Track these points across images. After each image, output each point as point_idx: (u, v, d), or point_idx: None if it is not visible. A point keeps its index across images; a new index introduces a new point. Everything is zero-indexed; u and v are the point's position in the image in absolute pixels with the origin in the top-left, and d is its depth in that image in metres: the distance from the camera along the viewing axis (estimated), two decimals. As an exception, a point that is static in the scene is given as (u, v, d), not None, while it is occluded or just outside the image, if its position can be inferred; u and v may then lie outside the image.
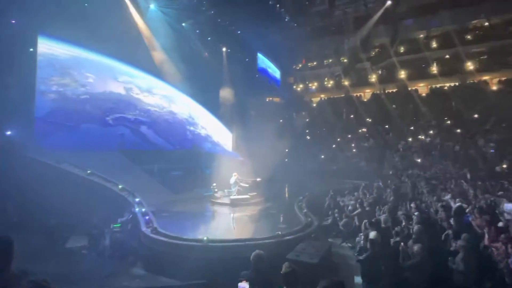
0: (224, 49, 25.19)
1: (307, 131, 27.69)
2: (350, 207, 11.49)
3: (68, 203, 10.44)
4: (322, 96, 31.68)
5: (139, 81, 23.43)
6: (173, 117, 24.92)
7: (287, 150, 25.21)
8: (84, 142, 16.18)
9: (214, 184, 14.79)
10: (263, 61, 29.60)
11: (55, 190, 10.60)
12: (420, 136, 20.29)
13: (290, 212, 11.90)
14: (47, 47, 15.83)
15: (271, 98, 32.04)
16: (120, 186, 12.86)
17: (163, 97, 24.51)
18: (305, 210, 11.66)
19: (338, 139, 25.05)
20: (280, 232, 8.80)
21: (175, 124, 23.62)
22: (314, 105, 31.30)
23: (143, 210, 10.99)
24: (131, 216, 10.95)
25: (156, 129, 21.89)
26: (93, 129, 17.65)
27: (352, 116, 27.06)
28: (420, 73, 22.94)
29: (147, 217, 10.27)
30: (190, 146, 22.86)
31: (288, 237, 8.57)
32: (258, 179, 15.20)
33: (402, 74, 24.09)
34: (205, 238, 8.12)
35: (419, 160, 17.56)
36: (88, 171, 13.23)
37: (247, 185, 14.69)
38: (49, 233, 10.24)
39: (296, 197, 13.71)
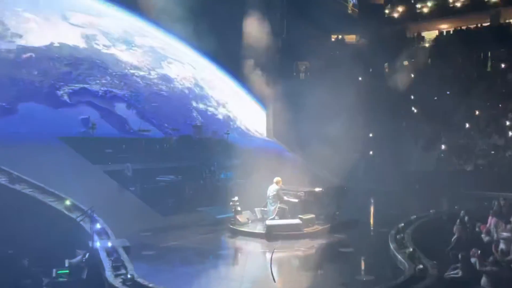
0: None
1: (411, 97, 27.48)
2: (503, 246, 11.02)
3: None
4: (444, 27, 31.62)
5: (107, 24, 24.54)
6: (168, 87, 26.23)
7: (371, 135, 25.79)
8: (23, 134, 16.84)
9: (236, 199, 14.84)
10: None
11: None
12: None
13: (379, 252, 12.02)
14: None
15: (339, 37, 32.03)
16: (67, 202, 13.15)
17: (150, 51, 27.01)
18: (410, 249, 11.26)
19: (477, 113, 25.08)
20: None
21: (172, 99, 24.53)
22: (427, 45, 31.12)
23: (109, 244, 11.10)
24: (87, 255, 11.09)
25: (142, 108, 22.66)
26: (38, 112, 18.47)
27: (504, 65, 26.64)
28: None
29: (115, 258, 10.32)
30: (195, 133, 23.62)
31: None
32: (318, 189, 15.23)
33: None
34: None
35: None
36: (14, 174, 13.71)
37: (297, 200, 14.78)
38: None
39: (391, 224, 13.75)
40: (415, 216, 14.80)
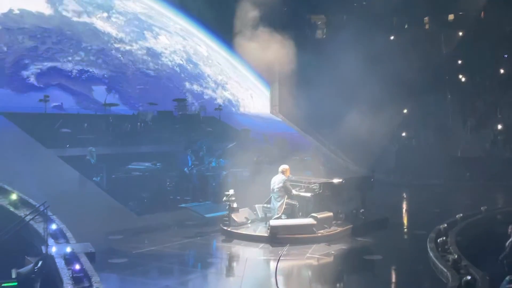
0: None
1: (459, 62, 27.29)
2: None
3: None
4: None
5: None
6: (155, 64, 26.48)
7: (405, 112, 25.76)
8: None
9: (231, 193, 14.90)
10: None
11: None
12: None
13: (415, 260, 12.11)
14: None
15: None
16: (13, 197, 13.18)
17: (132, 19, 26.99)
18: (454, 256, 11.30)
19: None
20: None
21: (161, 79, 24.95)
22: None
23: (68, 250, 11.19)
24: (40, 263, 11.16)
25: (125, 92, 22.74)
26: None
27: None
28: None
29: (76, 267, 10.40)
30: (177, 109, 23.75)
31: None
32: (337, 181, 15.25)
33: None
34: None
35: None
36: None
37: (309, 195, 14.79)
38: None
39: (431, 225, 13.85)
40: (461, 215, 14.78)
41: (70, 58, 22.00)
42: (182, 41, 29.13)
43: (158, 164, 18.99)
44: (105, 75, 22.47)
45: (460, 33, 28.34)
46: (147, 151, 19.89)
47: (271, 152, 20.66)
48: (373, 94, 21.38)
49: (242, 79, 29.80)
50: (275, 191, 14.64)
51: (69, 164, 16.98)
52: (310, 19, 31.47)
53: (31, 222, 12.31)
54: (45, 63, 22.25)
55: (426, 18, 30.14)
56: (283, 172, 14.75)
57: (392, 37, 28.17)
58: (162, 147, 20.40)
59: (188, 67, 27.91)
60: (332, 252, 13.07)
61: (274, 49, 21.01)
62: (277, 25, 21.82)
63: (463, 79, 27.47)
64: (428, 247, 12.23)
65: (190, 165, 18.97)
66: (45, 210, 11.89)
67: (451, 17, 29.41)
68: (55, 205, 12.59)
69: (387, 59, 22.93)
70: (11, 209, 13.12)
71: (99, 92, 22.30)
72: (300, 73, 21.93)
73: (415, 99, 25.44)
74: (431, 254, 11.80)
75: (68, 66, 21.99)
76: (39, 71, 21.84)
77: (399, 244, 14.11)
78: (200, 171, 19.26)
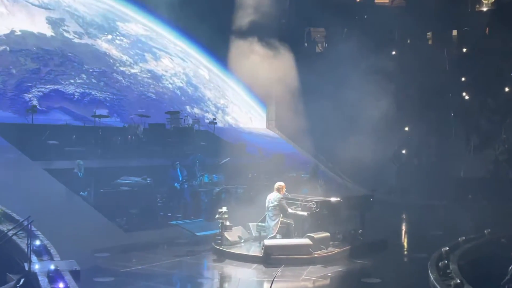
0: None
1: (462, 79, 27.39)
2: None
3: None
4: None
5: (76, 4, 25.05)
6: (157, 87, 27.23)
7: (407, 129, 25.88)
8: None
9: (224, 210, 14.87)
10: None
11: None
12: None
13: (415, 285, 12.21)
14: None
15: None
16: (-3, 210, 13.11)
17: (131, 40, 27.52)
18: (456, 281, 11.25)
19: None
20: None
21: (162, 103, 26.07)
22: (485, 9, 30.77)
23: (52, 267, 11.12)
24: (22, 281, 11.08)
25: (128, 115, 22.97)
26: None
27: None
28: None
29: (59, 285, 10.34)
30: (170, 121, 23.91)
31: None
32: (335, 199, 15.29)
33: None
34: None
35: None
36: None
37: (306, 214, 14.82)
38: None
39: (432, 247, 13.88)
40: (463, 238, 14.79)
41: (72, 81, 22.38)
42: (182, 63, 29.83)
43: (148, 179, 18.94)
44: (107, 98, 22.83)
45: (464, 50, 28.53)
46: (137, 165, 19.85)
47: (267, 168, 20.68)
48: (373, 111, 21.46)
49: (242, 103, 30.22)
50: (270, 209, 14.60)
51: (56, 177, 16.93)
52: (310, 31, 31.72)
53: (14, 237, 12.24)
54: (47, 86, 22.65)
55: (429, 34, 30.39)
56: (278, 190, 14.71)
57: (394, 52, 28.33)
58: (153, 161, 20.39)
59: (189, 90, 28.56)
60: (329, 274, 13.00)
61: (271, 63, 21.14)
62: (274, 38, 21.99)
63: (466, 97, 27.60)
64: (429, 270, 12.17)
65: (181, 179, 18.91)
66: (29, 225, 11.81)
67: (454, 33, 29.64)
68: (39, 220, 12.53)
69: (388, 75, 23.05)
70: (-7, 223, 13.06)
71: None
72: (298, 87, 22.03)
73: (417, 116, 25.54)
74: (432, 278, 11.75)
75: (70, 89, 22.31)
76: (41, 94, 22.28)
77: (398, 267, 14.04)
78: (192, 186, 19.23)
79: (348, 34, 26.85)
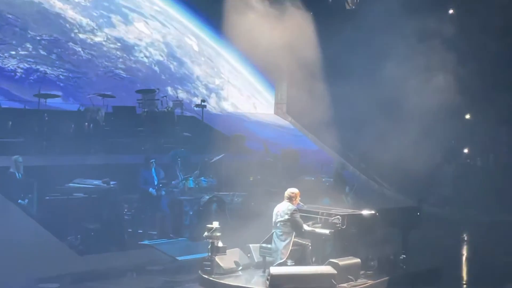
0: None
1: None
2: None
3: None
4: None
5: None
6: (127, 61, 27.43)
7: (468, 118, 25.80)
8: None
9: (215, 226, 14.88)
10: None
11: None
12: None
13: None
14: None
15: None
16: None
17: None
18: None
19: None
20: None
21: (135, 84, 26.41)
22: None
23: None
24: None
25: (89, 101, 23.11)
26: None
27: None
28: None
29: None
30: (142, 104, 23.98)
31: None
32: (367, 213, 15.33)
33: None
34: None
35: None
36: None
37: (328, 232, 14.80)
38: None
39: (503, 279, 14.22)
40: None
41: (13, 52, 22.29)
42: (161, 28, 29.98)
43: (112, 182, 18.94)
44: (61, 77, 22.75)
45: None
46: (96, 163, 19.84)
47: (274, 169, 20.71)
48: (423, 93, 21.45)
49: (243, 83, 30.18)
50: (278, 225, 14.50)
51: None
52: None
53: None
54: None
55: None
56: (290, 199, 14.63)
57: (451, 11, 28.27)
58: (118, 157, 20.41)
59: (171, 66, 28.64)
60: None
61: (280, 24, 21.18)
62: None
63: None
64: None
65: (156, 184, 18.95)
66: None
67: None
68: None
69: (444, 42, 23.07)
70: None
71: (53, 103, 22.35)
72: (317, 59, 22.05)
73: (482, 101, 25.50)
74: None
75: (10, 63, 22.27)
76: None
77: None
78: (171, 193, 19.28)
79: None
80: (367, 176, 25.91)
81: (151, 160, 19.14)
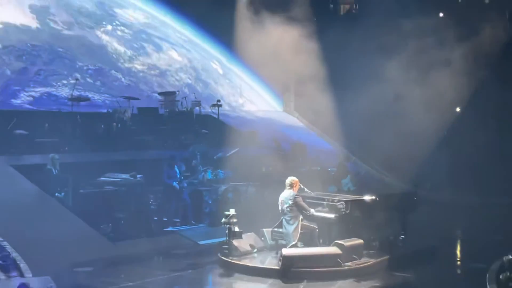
0: None
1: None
2: None
3: None
4: None
5: None
6: (161, 85, 27.74)
7: (458, 111, 25.70)
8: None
9: (232, 213, 14.89)
10: None
11: None
12: None
13: None
14: None
15: None
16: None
17: (128, 29, 28.54)
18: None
19: None
20: None
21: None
22: None
23: (22, 281, 11.25)
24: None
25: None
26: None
27: None
28: None
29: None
30: (164, 104, 24.07)
31: None
32: (369, 198, 15.33)
33: None
34: None
35: None
36: None
37: (333, 216, 14.84)
38: None
39: (491, 256, 13.98)
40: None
41: (65, 81, 22.62)
42: (186, 53, 30.85)
43: (138, 176, 18.95)
44: (106, 101, 23.00)
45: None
46: (125, 159, 19.89)
47: (284, 161, 20.69)
48: (417, 88, 21.34)
49: (258, 100, 31.07)
50: (285, 211, 14.61)
51: (25, 175, 16.96)
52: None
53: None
54: (38, 89, 23.27)
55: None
56: (291, 186, 14.72)
57: (441, 14, 28.07)
58: (144, 154, 20.42)
59: (198, 88, 29.12)
60: (359, 291, 13.03)
61: (286, 32, 21.11)
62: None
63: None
64: (488, 284, 12.22)
65: (178, 177, 18.94)
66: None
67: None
68: (6, 228, 12.66)
69: (437, 42, 22.91)
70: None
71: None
72: (321, 59, 21.99)
73: (473, 92, 25.28)
74: (489, 289, 11.75)
75: (64, 91, 22.54)
76: (31, 99, 22.82)
77: (449, 281, 13.98)
78: (192, 185, 19.28)
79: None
80: (368, 165, 25.84)
81: (175, 156, 19.20)
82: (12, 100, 22.45)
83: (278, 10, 20.75)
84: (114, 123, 21.66)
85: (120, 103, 23.09)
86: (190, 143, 21.33)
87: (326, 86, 21.29)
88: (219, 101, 25.95)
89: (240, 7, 21.19)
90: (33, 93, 22.84)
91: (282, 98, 30.32)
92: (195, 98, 25.96)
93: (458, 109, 26.03)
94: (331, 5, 31.74)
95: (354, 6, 32.07)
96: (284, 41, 19.83)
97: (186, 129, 22.69)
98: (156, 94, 25.84)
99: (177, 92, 25.18)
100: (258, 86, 30.75)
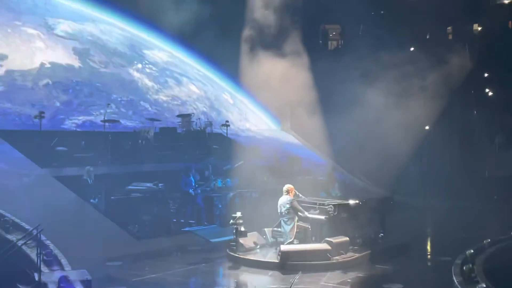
0: None
1: (485, 75, 27.18)
2: None
3: None
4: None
5: (98, 33, 26.81)
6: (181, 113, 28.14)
7: (427, 129, 25.75)
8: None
9: (238, 215, 14.93)
10: None
11: None
12: None
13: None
14: None
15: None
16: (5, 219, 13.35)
17: (152, 66, 29.33)
18: (482, 285, 11.20)
19: None
20: None
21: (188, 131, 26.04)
22: (508, 1, 30.64)
23: (63, 274, 11.22)
24: (32, 291, 11.18)
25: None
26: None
27: None
28: None
29: (70, 296, 10.40)
30: (182, 125, 24.11)
31: None
32: (354, 202, 15.29)
33: None
34: None
35: None
36: None
37: (323, 217, 14.81)
38: None
39: (456, 250, 13.92)
40: (489, 240, 14.73)
41: (102, 111, 23.01)
42: (202, 86, 31.23)
43: (160, 184, 18.97)
44: (137, 127, 23.36)
45: (486, 44, 28.29)
46: (148, 171, 19.90)
47: (282, 171, 20.68)
48: (392, 109, 21.34)
49: (260, 121, 31.71)
50: (283, 213, 14.71)
51: (65, 184, 16.97)
52: (325, 28, 31.76)
53: (23, 247, 12.34)
54: (80, 117, 23.68)
55: (449, 28, 30.12)
56: (288, 192, 14.80)
57: (411, 48, 28.12)
58: (164, 166, 20.45)
59: (212, 115, 29.37)
60: (349, 280, 12.96)
61: (284, 67, 21.11)
62: (289, 35, 21.94)
63: (490, 93, 27.35)
64: (453, 275, 12.15)
65: (194, 185, 18.96)
66: (38, 234, 11.90)
67: (476, 27, 29.38)
68: (49, 228, 12.62)
69: (407, 71, 22.90)
70: (2, 233, 13.13)
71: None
72: (313, 85, 21.99)
73: (438, 114, 25.30)
74: (456, 283, 11.71)
75: (101, 119, 22.99)
76: (74, 125, 23.21)
77: (421, 271, 13.98)
78: (205, 192, 19.28)
79: (364, 30, 26.75)
80: (352, 175, 25.79)
81: (191, 168, 19.22)
82: (60, 127, 22.85)
83: (274, 47, 20.81)
84: (140, 141, 21.63)
85: (145, 124, 23.18)
86: (203, 157, 21.32)
87: (316, 109, 21.35)
88: (227, 121, 26.00)
89: (243, 45, 21.23)
90: (76, 121, 23.22)
91: (280, 120, 30.42)
92: (207, 119, 26.15)
93: (427, 128, 26.00)
94: (320, 41, 31.90)
95: (340, 41, 32.23)
96: (280, 72, 19.90)
97: (200, 145, 22.66)
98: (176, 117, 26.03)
99: (193, 114, 25.28)
100: (259, 110, 30.84)
